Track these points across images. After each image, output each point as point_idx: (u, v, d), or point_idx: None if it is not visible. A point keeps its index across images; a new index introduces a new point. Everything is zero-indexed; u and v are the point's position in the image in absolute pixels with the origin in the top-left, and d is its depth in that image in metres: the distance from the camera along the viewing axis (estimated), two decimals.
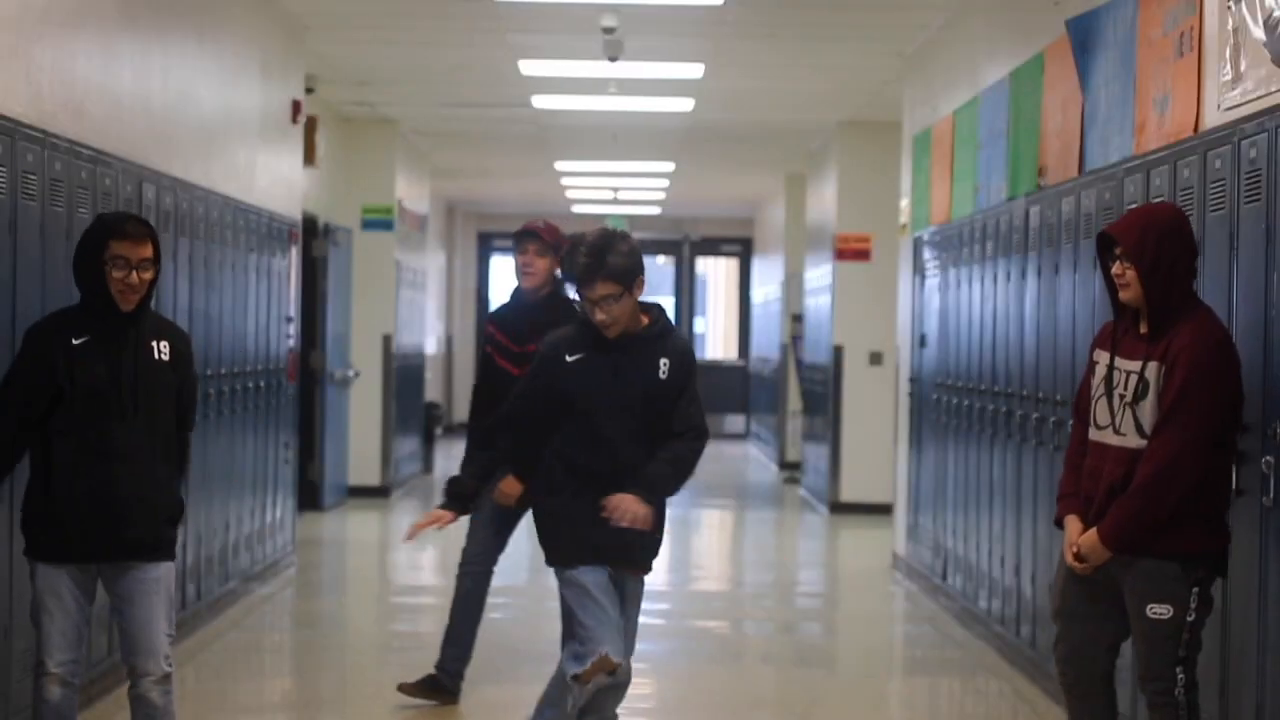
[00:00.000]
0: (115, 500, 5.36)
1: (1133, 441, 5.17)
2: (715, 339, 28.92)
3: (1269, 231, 5.42)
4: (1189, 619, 5.14)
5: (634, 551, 5.57)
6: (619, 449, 5.42)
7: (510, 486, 6.77)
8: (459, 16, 11.55)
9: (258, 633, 9.55)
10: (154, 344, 5.48)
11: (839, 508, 15.33)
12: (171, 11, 8.76)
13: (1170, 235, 5.18)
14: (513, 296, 7.49)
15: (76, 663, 5.46)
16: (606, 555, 5.49)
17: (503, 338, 7.35)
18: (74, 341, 5.36)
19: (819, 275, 16.82)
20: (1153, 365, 5.15)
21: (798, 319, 19.00)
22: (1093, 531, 5.21)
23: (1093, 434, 5.31)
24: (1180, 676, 5.16)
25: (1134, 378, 5.19)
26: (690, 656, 9.08)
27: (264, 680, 8.52)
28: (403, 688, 7.51)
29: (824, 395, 16.03)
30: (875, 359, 15.30)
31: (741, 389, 26.19)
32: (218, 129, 9.70)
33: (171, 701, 5.49)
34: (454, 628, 7.54)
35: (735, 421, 26.63)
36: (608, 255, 5.24)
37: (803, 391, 18.31)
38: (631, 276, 5.27)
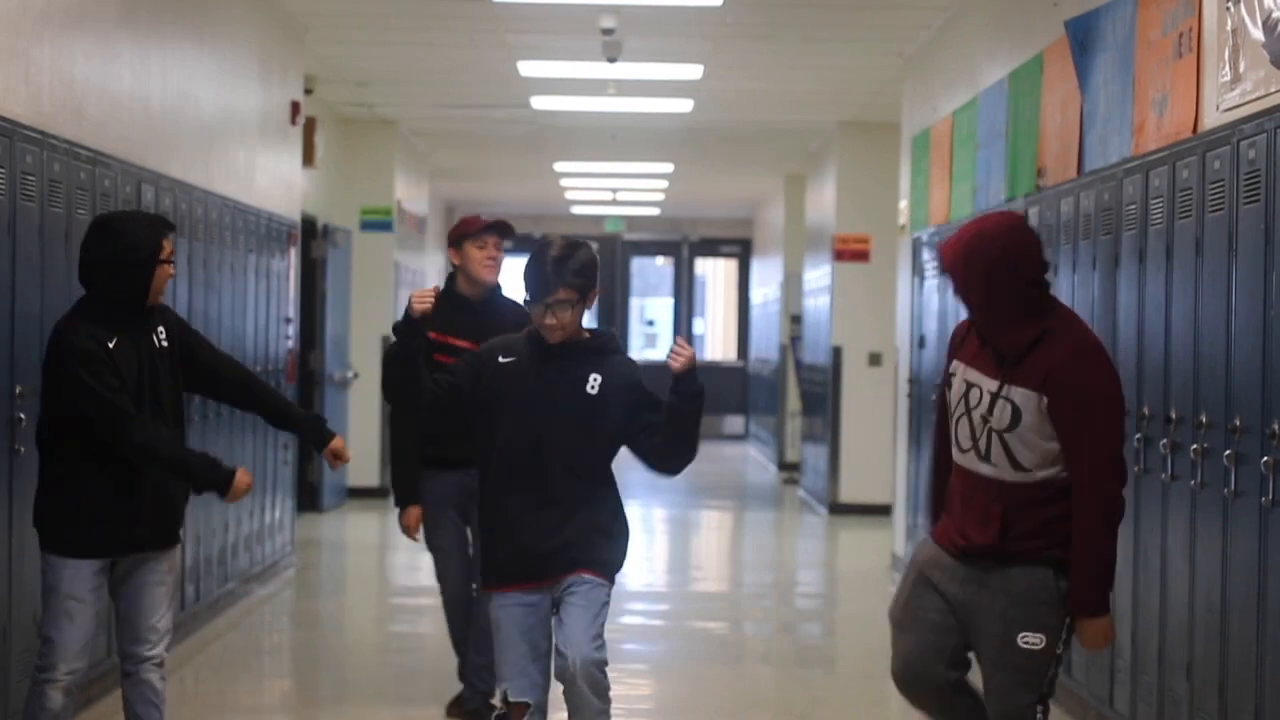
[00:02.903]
0: (143, 492, 5.43)
1: (1006, 475, 4.79)
2: (714, 340, 28.93)
3: (1268, 232, 5.42)
4: (1058, 651, 4.80)
5: (572, 551, 5.14)
6: (547, 457, 5.08)
7: (410, 519, 7.04)
8: (458, 17, 11.55)
9: (257, 633, 9.55)
10: (154, 335, 5.54)
11: (838, 508, 15.33)
12: (171, 12, 8.76)
13: (997, 264, 4.74)
14: (446, 287, 7.04)
15: (83, 672, 5.46)
16: (539, 568, 5.12)
17: (457, 340, 6.78)
18: (110, 345, 5.39)
19: (818, 276, 16.82)
20: (1021, 393, 4.75)
21: (797, 320, 19.01)
22: (1085, 624, 4.80)
23: (957, 456, 4.97)
24: (1040, 715, 4.81)
25: (995, 401, 4.80)
26: (690, 657, 9.08)
27: (263, 681, 8.52)
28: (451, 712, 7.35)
29: (823, 396, 16.03)
30: (874, 360, 15.30)
31: (740, 390, 26.20)
32: (217, 130, 9.70)
33: (166, 687, 5.57)
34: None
35: (734, 422, 26.64)
36: (572, 262, 5.17)
37: (802, 392, 18.31)
38: (589, 287, 5.21)
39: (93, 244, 5.46)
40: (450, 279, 7.13)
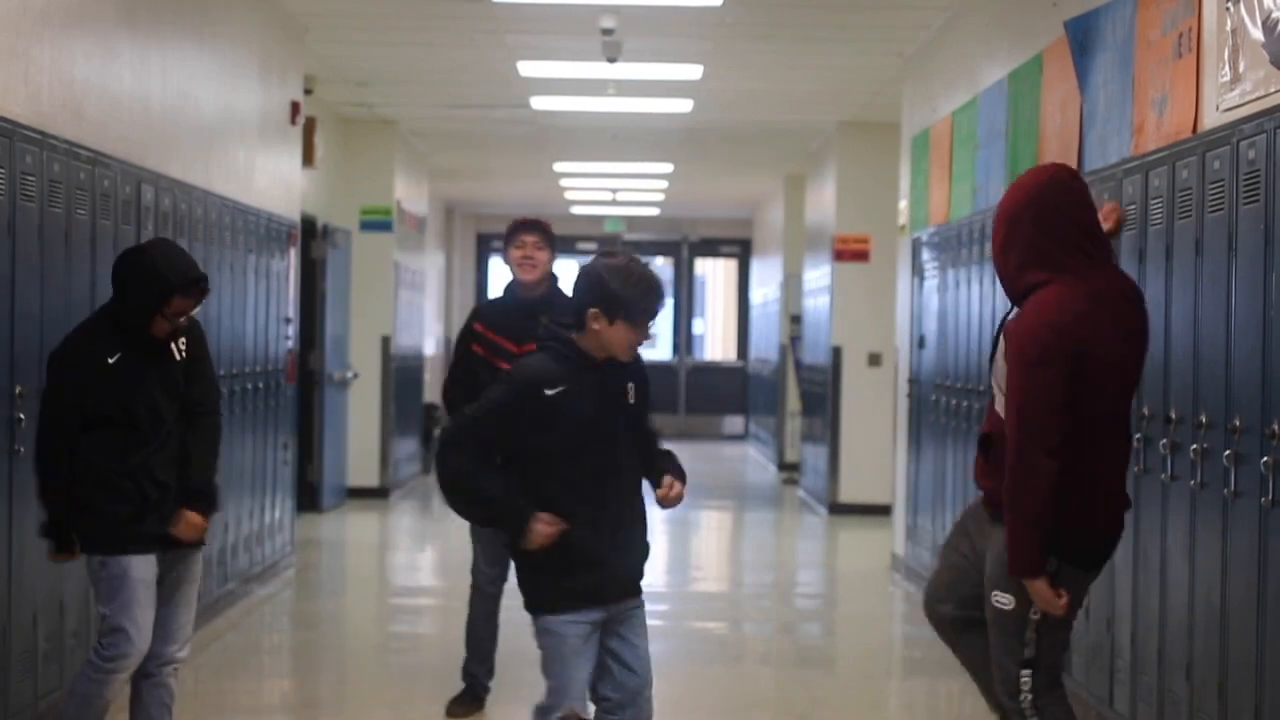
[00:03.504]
0: (168, 490, 5.64)
1: (1000, 426, 4.87)
2: (714, 340, 28.92)
3: (1268, 232, 5.42)
4: (1033, 615, 4.76)
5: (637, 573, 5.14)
6: (615, 479, 4.97)
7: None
8: (458, 17, 11.55)
9: (257, 634, 9.55)
10: (173, 345, 5.66)
11: (838, 508, 15.33)
12: (171, 12, 8.76)
13: (1019, 220, 4.80)
14: (507, 292, 7.26)
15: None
16: (616, 591, 5.02)
17: (498, 338, 7.12)
18: (109, 361, 5.52)
19: (818, 276, 16.82)
20: (1001, 342, 4.88)
21: (796, 320, 19.00)
22: (1025, 585, 4.80)
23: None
24: (1026, 681, 4.79)
25: (994, 347, 4.97)
26: (690, 657, 9.08)
27: (263, 681, 8.52)
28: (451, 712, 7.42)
29: (823, 396, 16.03)
30: (874, 360, 15.30)
31: (740, 390, 26.19)
32: (217, 130, 9.70)
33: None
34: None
35: (734, 422, 26.63)
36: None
37: (801, 392, 18.31)
38: None
39: (122, 266, 5.62)
40: (509, 283, 7.24)
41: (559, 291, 7.11)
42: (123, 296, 5.57)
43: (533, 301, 7.05)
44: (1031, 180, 4.91)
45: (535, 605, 5.00)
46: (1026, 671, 4.81)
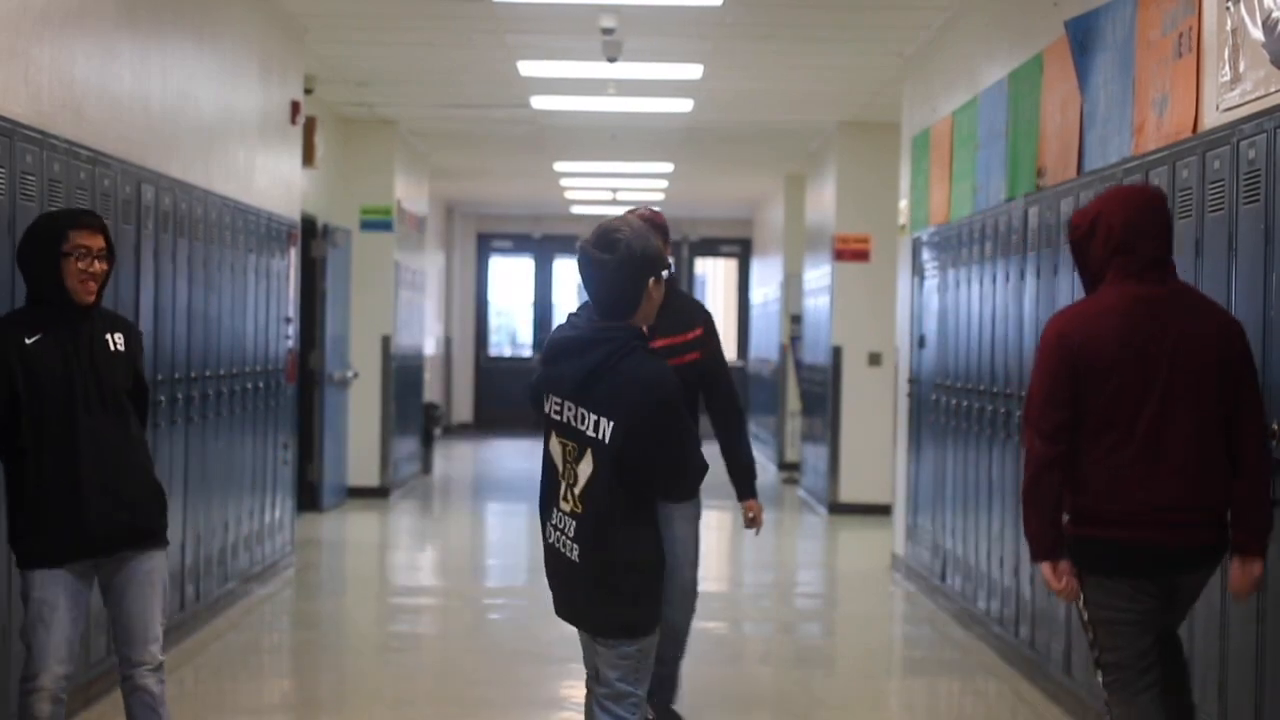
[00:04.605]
0: (98, 492, 5.33)
1: None
2: None
3: (1268, 232, 5.42)
4: (1084, 618, 5.04)
5: None
6: None
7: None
8: (458, 17, 11.55)
9: (257, 633, 9.55)
10: (109, 336, 5.49)
11: (838, 508, 15.33)
12: (171, 12, 8.76)
13: (1077, 243, 5.11)
14: None
15: (69, 679, 5.39)
16: None
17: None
18: (27, 341, 5.33)
19: (818, 276, 16.82)
20: None
21: (797, 320, 19.00)
22: None
23: None
24: (1100, 677, 5.02)
25: None
26: (689, 657, 9.04)
27: (263, 681, 8.52)
28: None
29: (823, 396, 16.03)
30: (874, 360, 15.30)
31: (740, 390, 26.16)
32: (217, 130, 9.70)
33: (165, 689, 5.52)
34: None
35: None
36: None
37: (802, 392, 18.31)
38: None
39: (20, 242, 5.51)
40: None
41: (675, 282, 6.87)
42: (28, 261, 5.42)
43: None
44: (1090, 214, 5.13)
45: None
46: (1100, 671, 5.03)
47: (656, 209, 7.00)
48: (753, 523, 7.05)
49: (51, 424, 5.31)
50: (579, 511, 4.60)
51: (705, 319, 6.91)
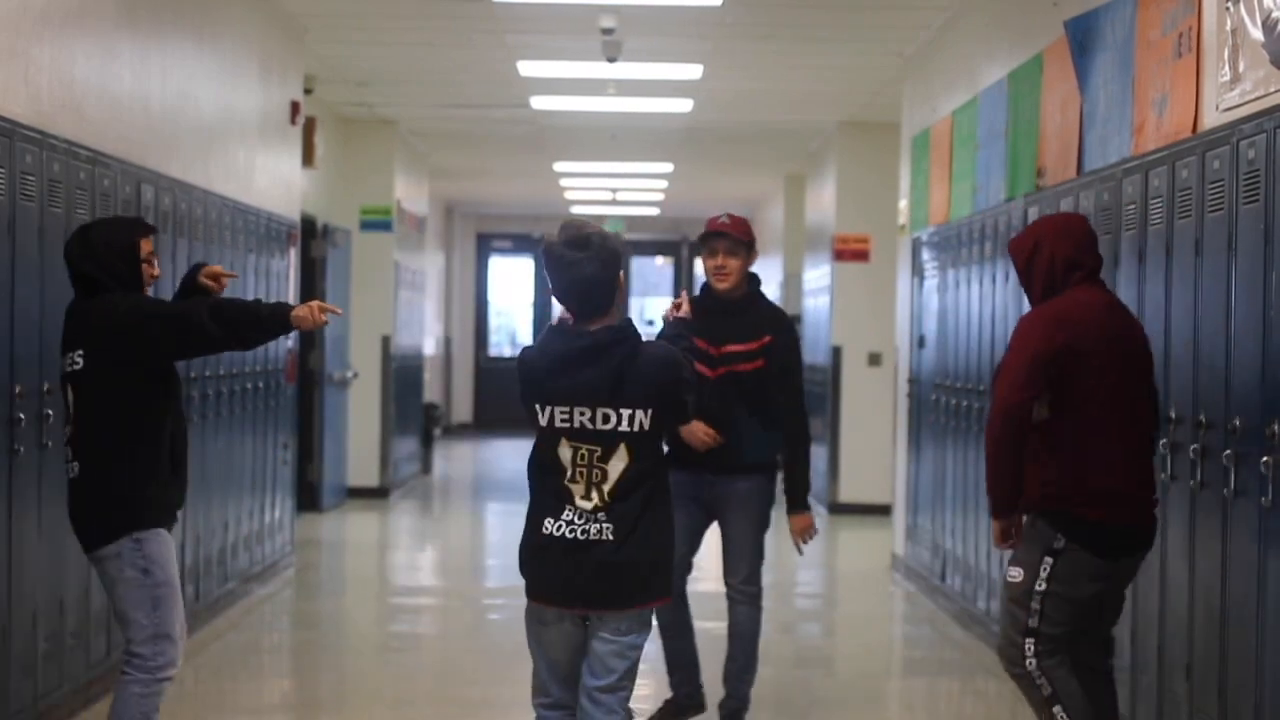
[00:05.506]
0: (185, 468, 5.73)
1: None
2: None
3: (1267, 232, 5.42)
4: (1038, 588, 5.27)
5: None
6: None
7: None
8: (458, 17, 11.55)
9: (257, 633, 9.55)
10: None
11: (838, 508, 15.33)
12: (171, 12, 8.76)
13: (1023, 269, 5.54)
14: (702, 290, 6.95)
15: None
16: None
17: (701, 342, 6.36)
18: None
19: (818, 276, 16.82)
20: None
21: (796, 320, 19.01)
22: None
23: None
24: (1030, 646, 5.29)
25: None
26: None
27: (263, 681, 8.52)
28: None
29: (823, 396, 16.03)
30: (874, 360, 15.31)
31: None
32: (217, 130, 9.70)
33: (135, 677, 5.57)
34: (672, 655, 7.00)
35: None
36: None
37: None
38: None
39: (76, 256, 5.54)
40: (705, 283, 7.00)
41: (760, 294, 6.97)
42: (108, 266, 5.50)
43: (728, 304, 6.87)
44: (1030, 234, 5.65)
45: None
46: (1030, 640, 5.30)
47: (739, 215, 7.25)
48: (803, 535, 6.99)
49: (177, 402, 5.67)
50: (609, 504, 4.71)
51: (777, 328, 6.85)
